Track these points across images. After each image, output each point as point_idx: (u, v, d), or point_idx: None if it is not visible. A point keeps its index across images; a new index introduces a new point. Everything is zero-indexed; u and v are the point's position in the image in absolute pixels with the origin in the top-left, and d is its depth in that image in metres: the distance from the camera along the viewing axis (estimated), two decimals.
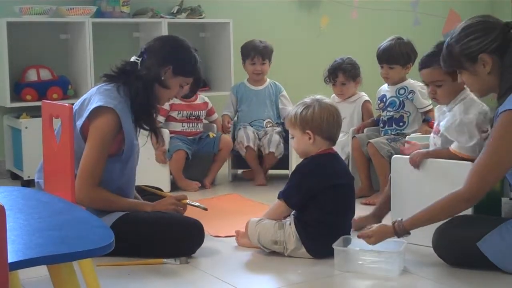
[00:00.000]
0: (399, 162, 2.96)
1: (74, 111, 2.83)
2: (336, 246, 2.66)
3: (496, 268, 2.52)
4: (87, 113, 2.78)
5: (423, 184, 2.87)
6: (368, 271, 2.61)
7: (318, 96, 2.90)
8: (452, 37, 2.59)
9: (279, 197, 2.86)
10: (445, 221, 2.64)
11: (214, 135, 4.35)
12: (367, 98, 4.14)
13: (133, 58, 2.95)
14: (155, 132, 2.98)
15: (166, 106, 4.20)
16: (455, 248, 2.60)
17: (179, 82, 2.96)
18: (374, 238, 2.62)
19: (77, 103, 2.89)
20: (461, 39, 2.54)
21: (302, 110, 2.84)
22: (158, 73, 2.89)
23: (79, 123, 2.80)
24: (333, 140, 2.88)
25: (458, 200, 2.50)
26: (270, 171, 4.46)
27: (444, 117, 2.90)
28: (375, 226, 2.68)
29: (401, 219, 2.59)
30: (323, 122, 2.81)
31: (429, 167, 2.87)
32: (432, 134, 2.99)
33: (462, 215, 2.65)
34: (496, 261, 2.51)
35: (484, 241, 2.50)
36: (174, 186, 4.14)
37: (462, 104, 2.85)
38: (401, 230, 2.58)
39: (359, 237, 2.66)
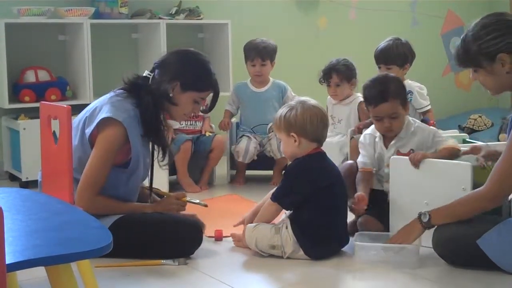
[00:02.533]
0: (398, 162, 2.95)
1: (84, 118, 2.84)
2: (357, 242, 2.75)
3: (495, 267, 2.52)
4: (96, 122, 2.77)
5: (421, 184, 2.86)
6: (387, 265, 2.66)
7: (303, 98, 2.89)
8: (468, 34, 2.55)
9: (272, 199, 2.85)
10: None
11: (210, 134, 4.35)
12: (362, 99, 4.13)
13: (145, 73, 2.92)
14: (163, 148, 2.95)
15: None
16: (455, 246, 2.60)
17: (190, 97, 2.90)
18: (409, 242, 2.70)
19: (89, 109, 2.87)
20: (480, 37, 2.51)
21: (286, 113, 2.83)
22: (166, 90, 2.85)
23: (88, 130, 2.79)
24: (319, 141, 2.85)
25: (481, 199, 2.54)
26: (269, 172, 4.45)
27: (392, 147, 3.01)
28: (399, 233, 2.75)
29: (428, 217, 2.63)
30: (307, 124, 2.79)
31: (427, 167, 2.87)
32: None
33: None
34: (496, 259, 2.51)
35: (484, 239, 2.51)
36: (173, 188, 4.13)
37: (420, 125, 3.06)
38: (429, 227, 2.66)
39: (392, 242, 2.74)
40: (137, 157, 2.82)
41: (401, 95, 2.99)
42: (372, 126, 3.10)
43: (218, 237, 3.07)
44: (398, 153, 3.00)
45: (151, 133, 2.86)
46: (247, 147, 4.29)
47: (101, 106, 2.83)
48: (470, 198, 2.60)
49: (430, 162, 2.88)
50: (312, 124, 2.80)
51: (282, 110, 2.86)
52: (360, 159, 3.10)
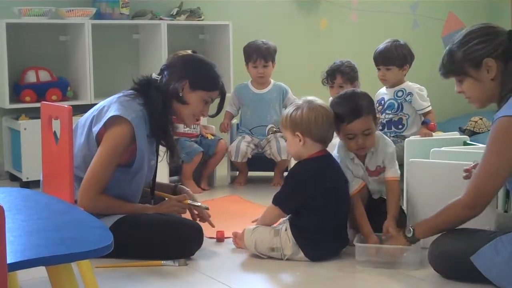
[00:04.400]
0: (415, 165, 2.92)
1: (92, 116, 2.85)
2: (357, 243, 2.73)
3: (489, 283, 2.45)
4: (104, 120, 2.77)
5: (439, 188, 2.80)
6: (388, 266, 2.67)
7: (310, 98, 2.88)
8: (454, 43, 2.55)
9: (273, 203, 2.85)
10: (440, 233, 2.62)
11: (213, 137, 4.35)
12: None
13: (154, 75, 2.95)
14: (171, 149, 2.96)
15: None
16: (448, 261, 2.55)
17: (199, 97, 2.92)
18: None
19: (96, 108, 2.88)
20: (465, 43, 2.51)
21: (292, 112, 2.83)
22: (175, 88, 2.88)
23: (96, 129, 2.80)
24: (324, 142, 2.85)
25: (459, 208, 2.47)
26: (270, 173, 4.46)
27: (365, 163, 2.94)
28: (389, 237, 2.76)
29: (411, 232, 2.61)
30: (311, 124, 2.78)
31: (446, 171, 2.82)
32: (373, 179, 2.97)
33: (457, 228, 2.60)
34: (490, 276, 2.43)
35: (478, 255, 2.44)
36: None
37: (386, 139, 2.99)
38: (414, 241, 2.64)
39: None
40: (142, 157, 2.82)
41: (373, 110, 2.92)
42: (338, 148, 2.97)
43: (220, 238, 3.07)
44: (367, 169, 2.95)
45: (159, 132, 2.87)
46: (237, 145, 4.30)
47: (109, 105, 2.84)
48: (449, 208, 2.51)
49: (449, 166, 2.84)
50: (317, 124, 2.79)
51: (289, 109, 2.86)
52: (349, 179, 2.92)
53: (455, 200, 2.49)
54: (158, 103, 2.84)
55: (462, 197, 2.46)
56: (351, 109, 2.84)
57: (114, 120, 2.77)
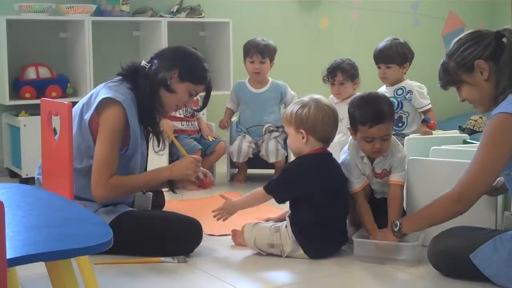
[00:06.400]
0: (415, 164, 2.93)
1: (82, 105, 2.86)
2: (356, 238, 2.74)
3: (490, 281, 2.45)
4: (95, 105, 2.78)
5: (439, 186, 2.74)
6: (387, 262, 2.67)
7: (316, 96, 2.89)
8: (446, 55, 2.58)
9: (265, 190, 2.83)
10: (440, 231, 2.61)
11: (214, 139, 4.36)
12: None
13: (143, 63, 2.95)
14: (157, 136, 2.98)
15: None
16: (448, 260, 2.55)
17: (186, 88, 2.93)
18: None
19: (85, 98, 2.90)
20: (455, 52, 2.53)
21: (298, 109, 2.83)
22: (164, 77, 2.89)
23: (87, 115, 2.80)
24: (327, 141, 2.86)
25: (447, 201, 2.47)
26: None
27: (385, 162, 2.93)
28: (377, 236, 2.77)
29: (399, 225, 2.64)
30: (318, 123, 2.80)
31: (446, 169, 2.82)
32: (377, 180, 2.97)
33: (457, 226, 2.60)
34: (489, 274, 2.44)
35: (477, 253, 2.45)
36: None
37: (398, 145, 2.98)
38: (400, 235, 2.68)
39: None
40: (136, 139, 2.83)
41: (393, 116, 2.93)
42: (350, 145, 2.98)
43: (205, 185, 3.06)
44: (373, 170, 2.95)
45: (146, 117, 2.88)
46: (239, 146, 4.31)
47: (97, 92, 2.85)
48: (436, 201, 2.52)
49: (448, 163, 2.84)
50: (323, 124, 2.80)
51: (294, 106, 2.86)
52: (354, 179, 2.91)
53: (443, 193, 2.50)
54: (145, 89, 2.86)
55: (450, 191, 2.47)
56: (374, 114, 2.83)
57: (105, 103, 2.77)
